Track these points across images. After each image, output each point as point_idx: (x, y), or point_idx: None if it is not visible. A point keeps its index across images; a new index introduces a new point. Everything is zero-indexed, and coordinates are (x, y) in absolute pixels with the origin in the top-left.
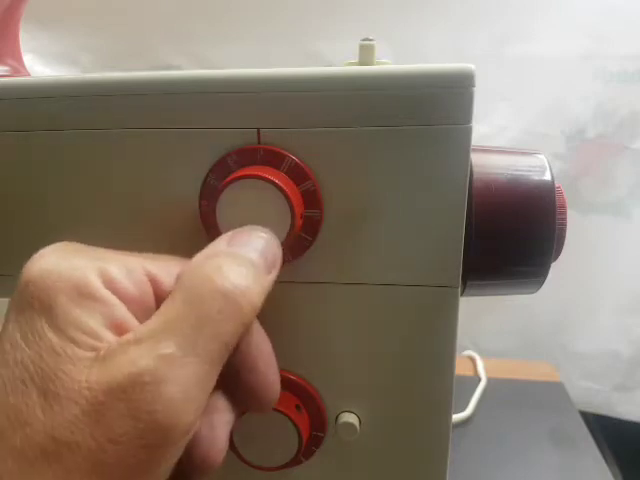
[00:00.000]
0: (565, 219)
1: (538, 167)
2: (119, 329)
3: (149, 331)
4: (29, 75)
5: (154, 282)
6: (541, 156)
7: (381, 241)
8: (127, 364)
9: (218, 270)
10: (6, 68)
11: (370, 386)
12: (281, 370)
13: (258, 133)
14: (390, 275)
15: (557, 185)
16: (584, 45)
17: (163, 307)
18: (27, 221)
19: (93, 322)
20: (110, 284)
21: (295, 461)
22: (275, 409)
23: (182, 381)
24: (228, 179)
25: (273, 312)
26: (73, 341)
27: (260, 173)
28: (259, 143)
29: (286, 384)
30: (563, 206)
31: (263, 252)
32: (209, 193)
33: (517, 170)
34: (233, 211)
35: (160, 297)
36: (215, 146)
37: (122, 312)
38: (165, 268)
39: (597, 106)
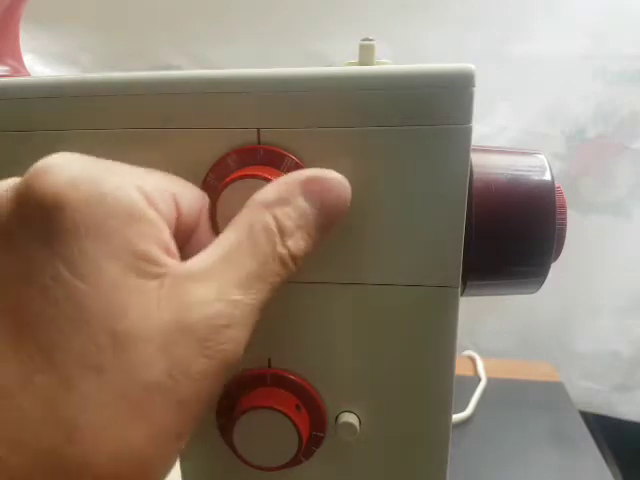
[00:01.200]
0: (565, 219)
1: (538, 167)
2: (169, 252)
3: (215, 268)
4: (29, 75)
5: (177, 203)
6: (541, 156)
7: (381, 241)
8: (201, 305)
9: (282, 234)
10: (6, 68)
11: (370, 386)
12: (281, 370)
13: (258, 133)
14: (390, 275)
15: (557, 185)
16: (584, 45)
17: (224, 241)
18: None
19: (150, 247)
20: (152, 204)
21: (295, 461)
22: (275, 409)
23: (247, 324)
24: (228, 179)
25: (273, 312)
26: (136, 271)
27: (260, 173)
28: (259, 143)
29: (286, 384)
30: (563, 206)
31: (325, 225)
32: (209, 193)
33: (517, 170)
34: (233, 211)
35: (179, 218)
36: (215, 146)
37: (168, 234)
38: (183, 189)
39: (597, 106)
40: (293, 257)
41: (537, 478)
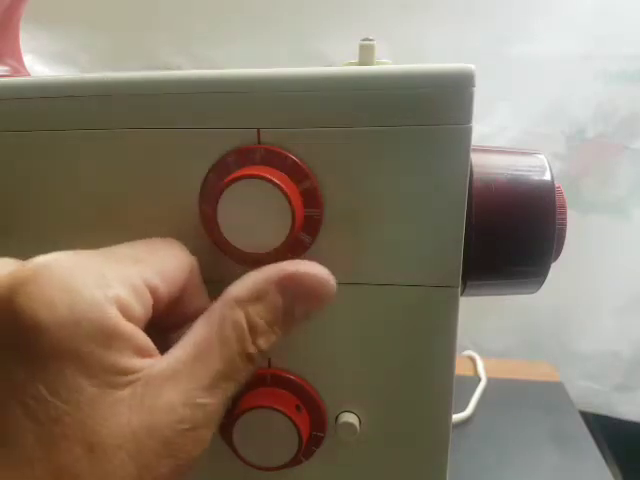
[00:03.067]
0: (565, 219)
1: (538, 167)
2: (143, 353)
3: (184, 369)
4: (29, 75)
5: (152, 291)
6: (541, 156)
7: (381, 241)
8: (168, 411)
9: (253, 332)
10: (6, 68)
11: (370, 386)
12: (281, 370)
13: (258, 133)
14: (390, 275)
15: (557, 185)
16: (584, 45)
17: (196, 336)
18: (26, 221)
19: (125, 360)
20: (126, 313)
21: (295, 461)
22: (275, 409)
23: (211, 423)
24: (228, 179)
25: None
26: (111, 386)
27: (260, 173)
28: (259, 143)
29: (286, 384)
30: (563, 206)
31: (301, 317)
32: (209, 193)
33: (517, 170)
34: (233, 211)
35: (156, 302)
36: (215, 146)
37: (142, 337)
38: (164, 274)
39: (597, 106)
40: (261, 352)
41: (537, 478)
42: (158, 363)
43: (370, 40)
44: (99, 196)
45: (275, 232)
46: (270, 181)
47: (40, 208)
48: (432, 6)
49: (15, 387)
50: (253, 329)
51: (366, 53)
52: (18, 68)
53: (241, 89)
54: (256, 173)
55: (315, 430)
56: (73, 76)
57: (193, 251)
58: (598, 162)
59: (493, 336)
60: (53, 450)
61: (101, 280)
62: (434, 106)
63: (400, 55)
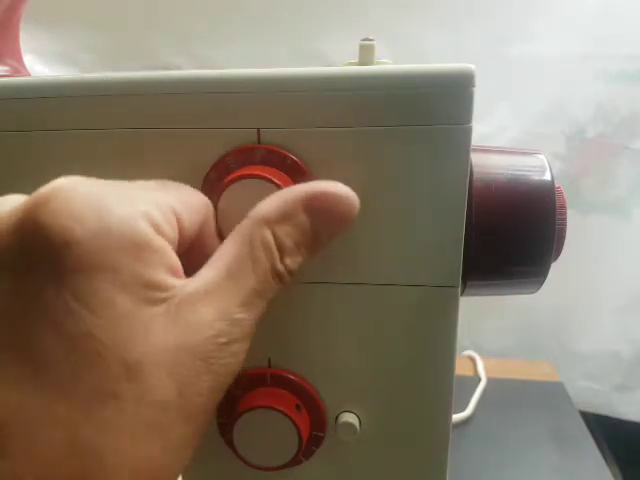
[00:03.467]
0: (565, 219)
1: (538, 167)
2: (175, 273)
3: (218, 286)
4: (29, 75)
5: (178, 220)
6: (541, 156)
7: (381, 241)
8: (204, 326)
9: (281, 251)
10: (6, 68)
11: (370, 386)
12: (281, 370)
13: (258, 133)
14: (390, 275)
15: (557, 185)
16: (584, 45)
17: (226, 255)
18: None
19: (159, 276)
20: (158, 230)
21: (295, 461)
22: (275, 409)
23: (247, 337)
24: (228, 179)
25: (273, 312)
26: (146, 301)
27: (260, 173)
28: (259, 143)
29: (286, 384)
30: (563, 206)
31: (325, 239)
32: (209, 193)
33: (517, 170)
34: (233, 211)
35: (181, 232)
36: (215, 146)
37: (173, 256)
38: (188, 200)
39: (597, 106)
40: (290, 272)
41: (537, 478)
42: (190, 283)
43: (370, 40)
44: None
45: None
46: (270, 181)
47: None
48: (432, 6)
49: (45, 306)
50: (281, 248)
51: (366, 53)
52: (18, 68)
53: (241, 89)
54: (256, 173)
55: (315, 430)
56: (73, 76)
57: None
58: (598, 162)
59: (493, 336)
60: (86, 369)
61: (129, 199)
62: (434, 106)
63: (400, 55)
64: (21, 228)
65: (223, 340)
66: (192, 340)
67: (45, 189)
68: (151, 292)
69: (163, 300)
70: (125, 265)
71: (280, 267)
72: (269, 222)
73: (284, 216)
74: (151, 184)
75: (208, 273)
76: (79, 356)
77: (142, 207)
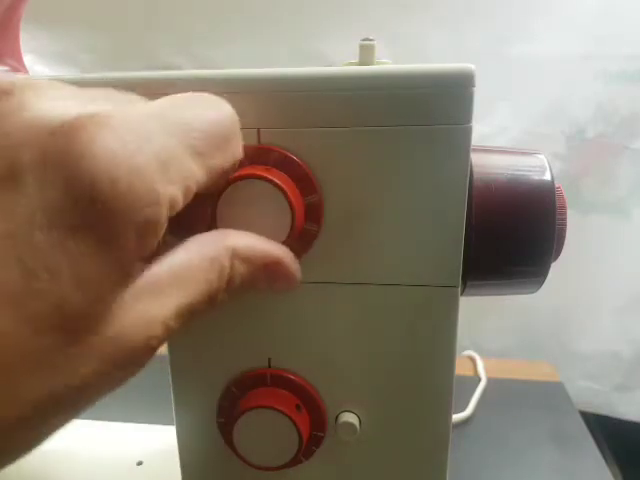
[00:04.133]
0: (565, 219)
1: (538, 167)
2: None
3: (161, 285)
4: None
5: (197, 186)
6: (541, 156)
7: (381, 241)
8: (140, 326)
9: (229, 284)
10: (6, 68)
11: (370, 386)
12: (281, 370)
13: (258, 133)
14: (390, 275)
15: (557, 185)
16: (584, 45)
17: (182, 260)
18: None
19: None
20: (172, 209)
21: (295, 461)
22: (275, 409)
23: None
24: (228, 179)
25: (273, 312)
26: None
27: (260, 173)
28: (259, 143)
29: (286, 384)
30: (563, 206)
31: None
32: (209, 193)
33: (517, 170)
34: (233, 211)
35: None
36: None
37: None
38: (210, 173)
39: (597, 106)
40: (218, 302)
41: (537, 478)
42: (139, 277)
43: (370, 40)
44: None
45: (275, 232)
46: (270, 181)
47: None
48: (432, 6)
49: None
50: (230, 282)
51: (366, 53)
52: (18, 68)
53: (241, 89)
54: (256, 173)
55: (315, 430)
56: (73, 76)
57: None
58: (598, 162)
59: (493, 336)
60: None
61: (164, 173)
62: (434, 106)
63: (400, 55)
64: (65, 181)
65: (154, 343)
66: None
67: (98, 117)
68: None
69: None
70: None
71: (219, 296)
72: (236, 254)
73: (248, 259)
74: (187, 138)
75: (161, 270)
76: None
77: (172, 188)
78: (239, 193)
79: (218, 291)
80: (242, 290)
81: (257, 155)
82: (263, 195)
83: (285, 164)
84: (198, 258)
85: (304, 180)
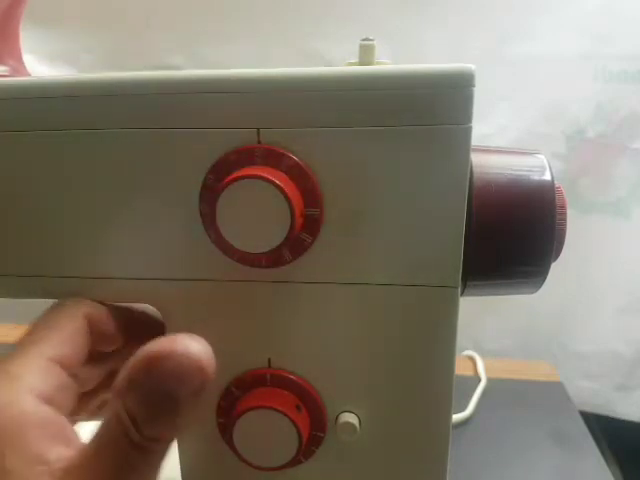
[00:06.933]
0: (565, 219)
1: (538, 167)
2: (58, 436)
3: (86, 462)
4: (29, 75)
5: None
6: (541, 156)
7: (381, 241)
8: None
9: (135, 422)
10: (6, 68)
11: (370, 386)
12: (281, 370)
13: (258, 133)
14: (390, 275)
15: (557, 185)
16: (584, 45)
17: (96, 432)
18: (26, 221)
19: (39, 449)
20: (42, 396)
21: (295, 461)
22: (275, 409)
23: None
24: (228, 179)
25: (273, 312)
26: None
27: (260, 173)
28: (259, 143)
29: (286, 384)
30: (563, 206)
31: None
32: (209, 193)
33: (517, 170)
34: (233, 211)
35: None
36: (215, 146)
37: (57, 421)
38: (61, 344)
39: (597, 106)
40: (155, 440)
41: (537, 478)
42: (73, 457)
43: (370, 40)
44: (98, 196)
45: (275, 232)
46: (270, 181)
47: (40, 208)
48: (432, 6)
49: None
50: (134, 418)
51: (366, 53)
52: (18, 68)
53: (241, 89)
54: (256, 173)
55: (315, 430)
56: (73, 76)
57: (192, 251)
58: (598, 162)
59: (493, 336)
60: None
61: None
62: (434, 106)
63: (400, 55)
64: None
65: None
66: None
67: None
68: (34, 467)
69: (44, 473)
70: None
71: (136, 437)
72: (120, 393)
73: (130, 383)
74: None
75: (87, 448)
76: None
77: (24, 382)
78: (239, 193)
79: (130, 436)
80: (174, 413)
81: (256, 155)
82: (263, 195)
83: (296, 173)
84: (104, 420)
85: (311, 193)
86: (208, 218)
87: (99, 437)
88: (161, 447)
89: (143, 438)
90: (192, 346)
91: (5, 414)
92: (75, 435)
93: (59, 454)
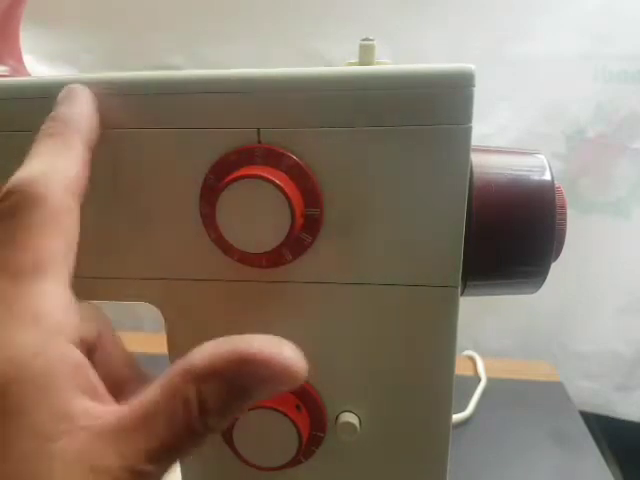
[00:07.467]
0: (565, 219)
1: (538, 167)
2: (92, 392)
3: (130, 431)
4: (29, 75)
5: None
6: (541, 156)
7: (381, 241)
8: (105, 474)
9: (203, 411)
10: (6, 68)
11: (370, 386)
12: None
13: (258, 133)
14: (390, 275)
15: (557, 185)
16: (584, 45)
17: (146, 401)
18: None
19: (69, 403)
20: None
21: (295, 461)
22: (275, 409)
23: None
24: (228, 179)
25: (273, 312)
26: (51, 439)
27: (260, 173)
28: (259, 143)
29: None
30: (563, 206)
31: (257, 399)
32: (209, 193)
33: (517, 170)
34: (233, 211)
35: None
36: (215, 146)
37: (90, 374)
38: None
39: (597, 106)
40: (211, 431)
41: (537, 478)
42: (104, 416)
43: (370, 40)
44: (98, 196)
45: (275, 232)
46: (270, 181)
47: None
48: (432, 6)
49: None
50: (204, 407)
51: (366, 53)
52: (18, 68)
53: (241, 89)
54: (256, 173)
55: (315, 430)
56: (73, 76)
57: (193, 251)
58: (598, 162)
59: (493, 336)
60: None
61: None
62: (434, 106)
63: (400, 55)
64: None
65: None
66: None
67: None
68: (58, 425)
69: (70, 432)
70: (32, 406)
71: (198, 426)
72: (195, 377)
73: (214, 373)
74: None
75: (124, 412)
76: None
77: (54, 321)
78: (239, 193)
79: (192, 422)
80: (239, 409)
81: (256, 155)
82: (263, 195)
83: (296, 172)
84: (161, 394)
85: (311, 193)
86: (208, 218)
87: (151, 408)
88: (204, 440)
89: (204, 427)
90: (290, 357)
91: (34, 364)
92: (103, 387)
93: (88, 410)
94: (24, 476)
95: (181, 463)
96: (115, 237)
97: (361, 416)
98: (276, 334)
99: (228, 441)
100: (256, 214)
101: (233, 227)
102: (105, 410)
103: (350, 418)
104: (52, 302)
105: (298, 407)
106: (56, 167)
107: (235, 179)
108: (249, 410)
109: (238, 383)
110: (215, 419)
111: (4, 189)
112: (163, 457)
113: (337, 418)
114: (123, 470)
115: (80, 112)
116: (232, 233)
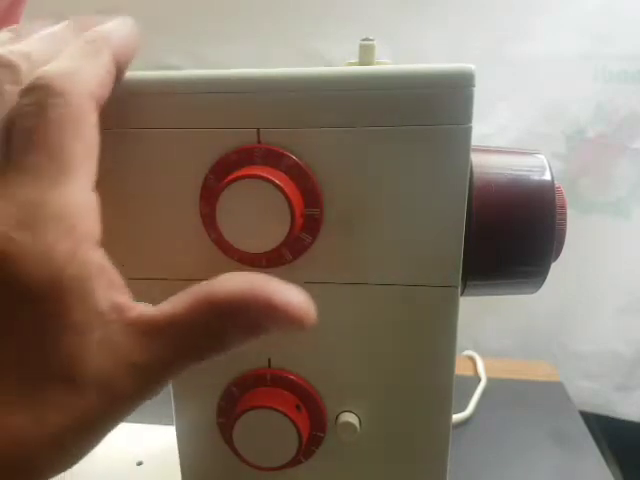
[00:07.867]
0: (565, 219)
1: (538, 167)
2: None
3: (162, 327)
4: None
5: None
6: (541, 156)
7: (381, 241)
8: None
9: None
10: None
11: (370, 386)
12: (281, 370)
13: (258, 133)
14: (390, 275)
15: (557, 185)
16: (584, 45)
17: (182, 306)
18: None
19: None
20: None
21: (295, 461)
22: (275, 409)
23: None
24: (228, 179)
25: None
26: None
27: (260, 173)
28: (259, 143)
29: (286, 384)
30: (563, 206)
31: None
32: (209, 193)
33: (517, 170)
34: (233, 211)
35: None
36: (215, 146)
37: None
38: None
39: (597, 106)
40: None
41: (537, 478)
42: (134, 310)
43: (370, 40)
44: (98, 196)
45: (275, 232)
46: (270, 181)
47: None
48: (432, 6)
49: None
50: (223, 331)
51: (366, 53)
52: None
53: (241, 89)
54: (256, 173)
55: (315, 430)
56: None
57: (193, 251)
58: (598, 162)
59: (493, 336)
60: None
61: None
62: (434, 106)
63: (400, 55)
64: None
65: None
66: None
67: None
68: (92, 321)
69: (103, 325)
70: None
71: (217, 344)
72: (217, 306)
73: (230, 305)
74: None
75: (154, 312)
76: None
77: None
78: (239, 193)
79: (212, 338)
80: (244, 339)
81: (256, 155)
82: (263, 195)
83: (296, 173)
84: (190, 306)
85: (311, 193)
86: (208, 218)
87: (176, 317)
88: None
89: (221, 345)
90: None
91: (67, 270)
92: (124, 285)
93: (118, 305)
94: (64, 366)
95: (181, 461)
96: (115, 237)
97: (361, 416)
98: (276, 334)
99: (228, 441)
100: (256, 214)
101: (233, 227)
102: (133, 306)
103: (350, 418)
104: (78, 207)
105: (298, 407)
106: (84, 69)
107: (235, 179)
108: (249, 410)
109: (251, 319)
110: (229, 340)
111: (30, 82)
112: (185, 354)
113: (337, 418)
114: (148, 361)
115: (120, 35)
116: (232, 233)
